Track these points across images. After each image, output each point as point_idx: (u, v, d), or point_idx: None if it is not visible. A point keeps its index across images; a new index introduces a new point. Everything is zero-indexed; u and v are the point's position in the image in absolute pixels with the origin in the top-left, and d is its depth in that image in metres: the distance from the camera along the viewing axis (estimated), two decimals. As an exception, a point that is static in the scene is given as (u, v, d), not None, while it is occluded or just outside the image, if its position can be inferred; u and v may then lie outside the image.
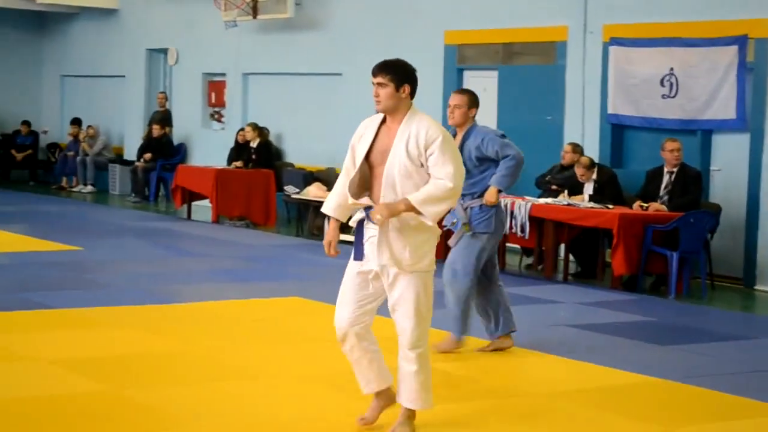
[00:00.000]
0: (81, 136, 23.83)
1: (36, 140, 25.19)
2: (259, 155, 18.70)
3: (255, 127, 19.21)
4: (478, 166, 9.19)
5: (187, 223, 18.35)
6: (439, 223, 6.76)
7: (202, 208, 18.72)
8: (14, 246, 14.64)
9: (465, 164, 8.38)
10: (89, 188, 23.40)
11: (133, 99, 23.98)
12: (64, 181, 23.90)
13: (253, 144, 18.92)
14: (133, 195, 22.01)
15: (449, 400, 7.53)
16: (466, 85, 17.53)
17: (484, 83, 17.34)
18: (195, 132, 22.51)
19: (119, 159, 23.70)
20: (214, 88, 22.42)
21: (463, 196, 8.79)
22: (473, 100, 9.50)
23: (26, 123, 25.02)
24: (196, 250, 15.14)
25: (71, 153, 23.97)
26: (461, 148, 9.07)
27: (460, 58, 17.63)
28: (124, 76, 24.17)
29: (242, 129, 19.77)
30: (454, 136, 9.15)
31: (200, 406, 7.36)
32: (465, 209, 9.09)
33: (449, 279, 9.09)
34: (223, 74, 21.99)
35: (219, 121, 22.25)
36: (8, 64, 25.59)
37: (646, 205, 13.40)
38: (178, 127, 22.50)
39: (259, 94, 21.19)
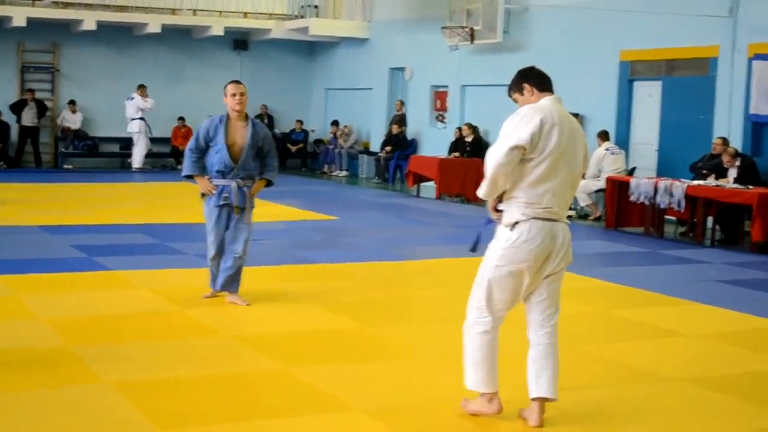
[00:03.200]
0: (338, 134, 24.17)
1: (306, 137, 25.64)
2: (473, 147, 18.80)
3: (470, 126, 19.29)
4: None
5: (417, 199, 18.39)
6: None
7: (428, 188, 18.79)
8: (289, 216, 14.94)
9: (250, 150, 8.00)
10: (344, 173, 23.70)
11: (377, 105, 24.17)
12: (325, 168, 24.26)
13: (468, 139, 19.07)
14: (376, 178, 22.21)
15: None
16: (635, 94, 17.21)
17: (650, 91, 16.96)
18: (424, 130, 22.56)
19: (366, 151, 23.91)
20: (439, 96, 22.42)
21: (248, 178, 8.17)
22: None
23: (300, 122, 25.47)
24: (424, 220, 15.18)
25: (331, 146, 24.37)
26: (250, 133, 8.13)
27: (632, 71, 17.24)
28: (372, 89, 24.38)
29: (460, 128, 19.84)
30: (225, 121, 8.12)
31: (427, 337, 7.39)
32: None
33: None
34: (446, 86, 21.98)
35: (442, 121, 22.24)
36: (287, 80, 26.11)
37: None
38: (411, 127, 22.59)
39: (473, 101, 21.10)
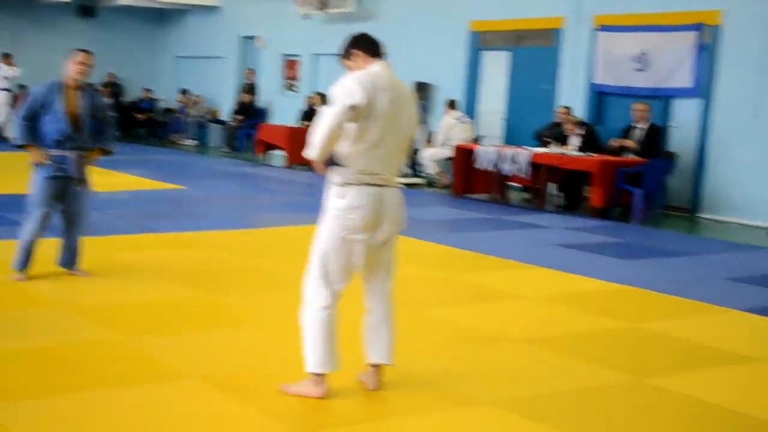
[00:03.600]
0: (188, 103, 23.81)
1: (154, 106, 25.16)
2: (323, 116, 18.77)
3: (320, 95, 19.16)
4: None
5: (267, 168, 18.29)
6: None
7: (279, 157, 18.70)
8: (135, 185, 14.63)
9: (88, 119, 7.74)
10: (193, 142, 23.39)
11: (228, 74, 23.91)
12: (174, 137, 23.88)
13: (318, 108, 18.97)
14: (226, 147, 21.99)
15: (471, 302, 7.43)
16: (483, 64, 17.43)
17: (498, 61, 17.22)
18: (275, 99, 22.42)
19: (216, 120, 23.66)
20: (290, 65, 22.30)
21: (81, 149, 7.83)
22: None
23: (147, 90, 24.97)
24: (273, 188, 15.11)
25: (180, 115, 23.99)
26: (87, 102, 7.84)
27: (481, 42, 17.47)
28: (223, 57, 24.08)
29: (311, 97, 19.77)
30: (61, 89, 7.77)
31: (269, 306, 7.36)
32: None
33: None
34: (298, 55, 21.87)
35: (293, 90, 22.14)
36: (136, 48, 25.57)
37: (617, 143, 13.56)
38: (262, 95, 22.41)
39: (325, 70, 21.05)
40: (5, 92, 22.00)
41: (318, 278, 5.16)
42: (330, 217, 5.13)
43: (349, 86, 4.98)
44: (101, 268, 8.26)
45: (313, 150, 4.99)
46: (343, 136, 4.99)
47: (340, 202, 5.09)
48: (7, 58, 22.17)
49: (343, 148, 5.04)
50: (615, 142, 13.72)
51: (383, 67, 5.18)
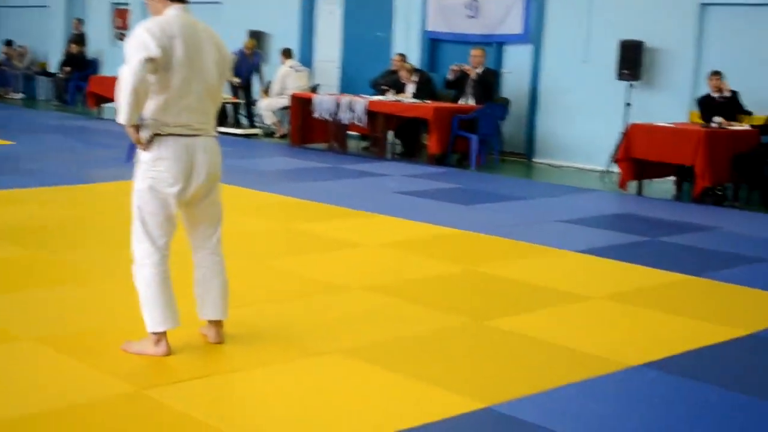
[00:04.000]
0: (13, 54, 22.91)
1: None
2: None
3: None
4: None
5: (99, 121, 17.76)
6: None
7: (111, 109, 18.19)
8: (-42, 142, 14.05)
9: None
10: (20, 95, 22.55)
11: (55, 24, 23.06)
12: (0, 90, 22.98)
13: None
14: (56, 100, 21.28)
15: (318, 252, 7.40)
16: (317, 12, 17.35)
17: (331, 9, 17.15)
18: (105, 49, 21.77)
19: (44, 72, 22.83)
20: (120, 14, 21.68)
21: None
22: None
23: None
24: (106, 142, 14.68)
25: (6, 68, 23.05)
26: None
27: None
28: (47, 6, 23.19)
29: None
30: None
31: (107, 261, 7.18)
32: None
33: None
34: (127, 3, 21.28)
35: (123, 40, 21.53)
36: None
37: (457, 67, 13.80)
38: (91, 46, 21.73)
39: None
40: None
41: (140, 234, 5.04)
42: (140, 171, 4.97)
43: (140, 39, 4.77)
44: None
45: (122, 115, 4.75)
46: (149, 91, 4.80)
47: (148, 155, 4.92)
48: None
49: (147, 103, 4.85)
50: (456, 66, 13.79)
51: (178, 10, 4.97)
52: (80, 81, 20.63)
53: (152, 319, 5.03)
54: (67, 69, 21.00)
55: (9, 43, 23.14)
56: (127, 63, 4.72)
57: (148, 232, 5.02)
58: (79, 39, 21.48)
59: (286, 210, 9.52)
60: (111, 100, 18.02)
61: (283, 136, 15.85)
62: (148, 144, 4.88)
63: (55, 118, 18.17)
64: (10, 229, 8.14)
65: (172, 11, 4.95)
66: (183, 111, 4.93)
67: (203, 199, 5.14)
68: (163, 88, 4.84)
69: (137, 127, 4.84)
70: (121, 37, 21.49)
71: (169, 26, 4.85)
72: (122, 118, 4.76)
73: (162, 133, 4.89)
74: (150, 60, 4.71)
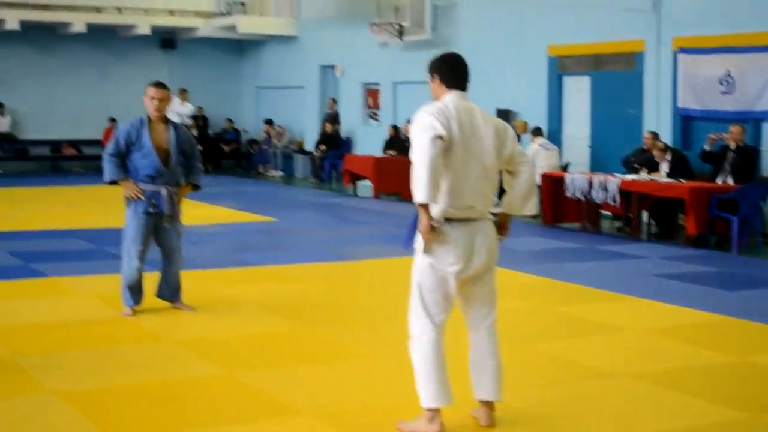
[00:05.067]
0: (272, 133, 24.08)
1: (238, 136, 25.49)
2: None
3: (410, 123, 19.23)
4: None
5: (354, 198, 18.39)
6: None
7: (365, 187, 18.81)
8: (226, 218, 14.86)
9: (177, 153, 7.88)
10: (279, 173, 23.63)
11: (310, 104, 24.12)
12: (260, 168, 24.15)
13: (408, 136, 18.86)
14: (312, 177, 22.17)
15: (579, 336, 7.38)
16: (565, 89, 17.43)
17: (579, 86, 17.17)
18: (357, 128, 22.57)
19: (301, 150, 23.87)
20: (371, 94, 22.45)
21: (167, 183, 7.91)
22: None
23: (230, 120, 25.29)
24: (362, 219, 15.17)
25: (265, 146, 24.26)
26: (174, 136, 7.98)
27: (560, 67, 17.43)
28: (303, 87, 24.32)
29: (394, 126, 19.87)
30: (147, 124, 7.90)
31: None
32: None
33: None
34: (378, 83, 22.02)
35: (375, 119, 22.29)
36: (216, 79, 25.94)
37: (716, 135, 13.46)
38: (344, 125, 22.58)
39: (405, 98, 21.16)
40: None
41: (418, 310, 5.21)
42: (419, 249, 5.15)
43: (424, 121, 5.01)
44: (202, 302, 8.43)
45: (420, 192, 4.91)
46: (442, 169, 4.97)
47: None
48: (183, 93, 22.88)
49: None
50: (714, 135, 13.45)
51: (456, 97, 5.19)
52: (335, 159, 21.45)
53: (427, 395, 5.16)
54: (323, 147, 21.88)
55: (269, 122, 24.37)
56: (417, 145, 4.95)
57: (426, 308, 5.18)
58: (333, 118, 22.36)
59: (544, 291, 9.54)
60: (365, 177, 18.67)
61: (534, 216, 15.90)
62: (429, 234, 5.01)
63: (312, 195, 18.97)
64: (275, 304, 8.57)
65: (450, 96, 5.19)
66: (464, 193, 5.10)
67: (480, 280, 5.28)
68: (444, 169, 5.03)
69: (428, 207, 4.97)
70: (373, 116, 22.27)
71: (446, 109, 5.08)
72: (420, 195, 4.90)
73: (447, 216, 5.06)
74: (438, 137, 4.93)
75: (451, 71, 5.26)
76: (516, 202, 5.36)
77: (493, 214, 5.32)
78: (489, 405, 5.37)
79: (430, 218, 5.00)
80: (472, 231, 5.15)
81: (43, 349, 6.94)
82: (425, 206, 4.96)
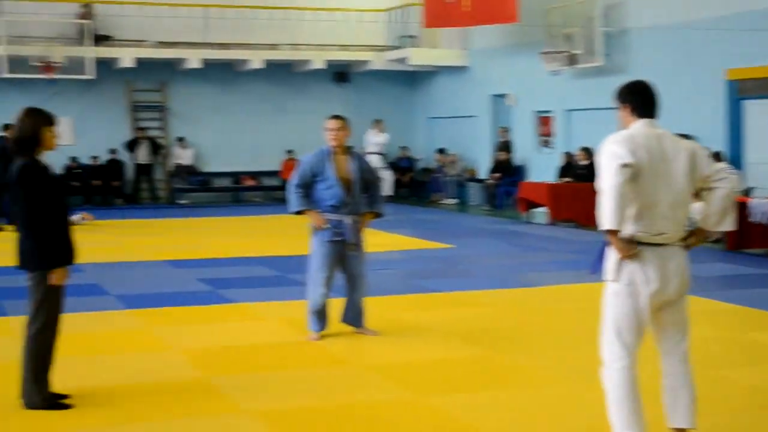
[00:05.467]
0: (445, 162, 24.23)
1: (412, 165, 25.75)
2: (587, 171, 18.47)
3: (585, 150, 18.94)
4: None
5: (529, 225, 18.27)
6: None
7: (539, 214, 18.69)
8: (405, 245, 15.01)
9: (359, 183, 8.00)
10: (453, 201, 23.74)
11: (481, 133, 24.16)
12: (434, 196, 24.30)
13: (583, 163, 18.69)
14: (486, 205, 22.18)
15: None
16: (745, 112, 16.95)
17: (761, 110, 16.67)
18: (530, 156, 22.47)
19: (473, 178, 23.93)
20: (543, 121, 22.34)
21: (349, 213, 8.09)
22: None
23: (404, 149, 25.53)
24: (539, 246, 15.07)
25: (438, 174, 24.42)
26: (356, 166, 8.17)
27: (741, 90, 16.94)
28: (474, 116, 24.40)
29: (568, 153, 19.70)
30: (330, 156, 8.13)
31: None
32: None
33: None
34: (549, 111, 21.91)
35: (548, 146, 22.15)
36: (389, 110, 26.28)
37: None
38: (517, 152, 22.52)
39: (578, 125, 20.97)
40: (377, 156, 23.27)
41: (611, 336, 5.16)
42: (611, 276, 5.12)
43: (611, 150, 5.00)
44: (386, 327, 8.55)
45: (607, 220, 4.94)
46: (630, 196, 4.96)
47: (620, 262, 5.07)
48: (378, 124, 23.64)
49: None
50: None
51: (645, 124, 5.15)
52: (508, 186, 21.40)
53: (620, 422, 5.11)
54: (496, 175, 21.88)
55: (441, 151, 24.53)
56: (604, 173, 4.96)
57: (619, 334, 5.13)
58: (505, 146, 22.34)
59: (731, 317, 9.27)
60: (540, 205, 18.56)
61: (716, 241, 15.45)
62: (629, 251, 5.00)
63: (486, 223, 18.97)
64: (457, 329, 8.62)
65: (638, 124, 5.15)
66: (654, 219, 5.05)
67: (672, 306, 5.20)
68: (634, 197, 5.00)
69: (616, 233, 4.98)
70: (546, 144, 22.14)
71: (633, 137, 5.05)
72: (607, 223, 4.94)
73: (638, 240, 5.02)
74: (625, 166, 4.91)
75: (643, 99, 5.23)
76: (712, 218, 5.24)
77: (689, 232, 5.22)
78: (684, 432, 5.27)
79: (622, 241, 5.01)
80: (665, 256, 5.10)
81: (235, 371, 7.19)
82: (614, 232, 4.98)
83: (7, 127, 17.46)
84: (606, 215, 4.94)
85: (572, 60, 19.86)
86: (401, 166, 25.46)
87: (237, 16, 23.87)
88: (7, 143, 16.75)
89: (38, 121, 6.20)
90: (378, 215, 8.39)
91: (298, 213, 8.20)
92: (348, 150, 8.23)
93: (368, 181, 8.26)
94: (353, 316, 8.39)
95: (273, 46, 24.40)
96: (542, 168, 21.40)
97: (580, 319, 8.78)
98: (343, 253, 8.17)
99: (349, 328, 8.41)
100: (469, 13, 22.28)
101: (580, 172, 18.64)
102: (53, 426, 5.85)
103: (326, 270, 8.12)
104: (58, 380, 6.35)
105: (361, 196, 8.20)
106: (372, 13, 25.30)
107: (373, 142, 23.76)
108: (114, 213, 21.00)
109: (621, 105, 5.26)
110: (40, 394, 6.13)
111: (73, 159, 23.22)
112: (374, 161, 23.13)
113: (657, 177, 5.04)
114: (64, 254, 6.17)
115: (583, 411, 5.97)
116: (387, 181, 23.41)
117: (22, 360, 6.18)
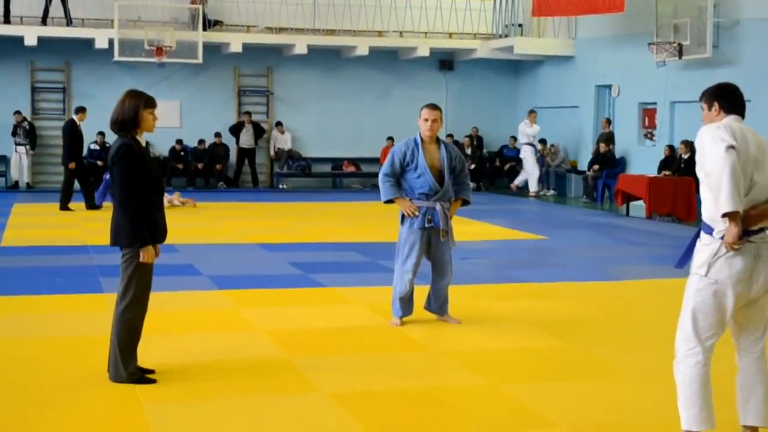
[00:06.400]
0: (545, 153, 24.09)
1: (517, 154, 25.68)
2: (687, 165, 18.25)
3: (686, 144, 18.71)
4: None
5: (626, 218, 18.10)
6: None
7: (638, 207, 18.49)
8: (497, 235, 15.03)
9: (449, 171, 8.01)
10: (552, 192, 23.62)
11: (584, 124, 23.96)
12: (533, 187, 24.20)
13: (684, 156, 18.47)
14: (584, 197, 22.02)
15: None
16: None
17: None
18: (632, 148, 22.21)
19: (574, 169, 23.75)
20: (647, 114, 22.06)
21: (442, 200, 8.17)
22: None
23: (513, 138, 25.39)
24: (634, 240, 14.94)
25: (539, 165, 24.27)
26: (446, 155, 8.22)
27: None
28: (578, 107, 24.20)
29: (670, 146, 19.44)
30: (420, 144, 8.18)
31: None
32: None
33: None
34: (654, 103, 21.60)
35: (651, 139, 21.87)
36: (492, 99, 26.27)
37: None
38: (619, 145, 22.28)
39: (682, 118, 20.64)
40: (528, 147, 23.56)
41: (688, 332, 5.14)
42: (700, 271, 5.08)
43: (714, 134, 4.96)
44: (469, 316, 8.62)
45: (727, 202, 4.82)
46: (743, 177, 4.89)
47: (711, 257, 5.04)
48: (531, 115, 23.80)
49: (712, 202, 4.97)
50: None
51: (734, 120, 5.13)
52: (608, 179, 21.21)
53: (688, 418, 5.11)
54: (596, 167, 21.69)
55: (542, 141, 24.40)
56: (711, 157, 4.89)
57: (697, 330, 5.11)
58: (607, 138, 22.11)
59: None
60: (638, 198, 18.35)
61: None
62: (737, 241, 4.93)
63: (583, 215, 18.85)
64: (542, 320, 8.64)
65: (728, 119, 5.13)
66: (749, 204, 4.98)
67: (756, 303, 5.16)
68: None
69: (738, 216, 4.87)
70: (649, 136, 21.86)
71: (728, 126, 5.01)
72: (727, 205, 4.82)
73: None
74: (732, 147, 4.86)
75: (734, 98, 5.22)
76: None
77: None
78: (754, 429, 5.23)
79: (740, 227, 4.90)
80: (755, 252, 5.04)
81: (317, 352, 7.36)
82: (734, 215, 4.87)
83: (78, 110, 17.98)
84: (724, 197, 4.82)
85: (680, 51, 19.57)
86: (506, 155, 25.37)
87: (344, 2, 24.07)
88: (75, 125, 17.40)
89: (139, 103, 6.41)
90: (466, 203, 8.48)
91: (389, 202, 8.31)
92: (437, 139, 8.33)
93: (456, 169, 8.33)
94: (437, 304, 8.48)
95: (379, 33, 24.57)
96: (644, 161, 21.13)
97: (667, 314, 8.66)
98: (432, 241, 8.26)
99: (432, 316, 8.51)
100: (576, 2, 22.16)
101: (681, 166, 18.43)
102: (137, 399, 6.08)
103: (415, 257, 8.23)
104: (145, 356, 6.60)
105: (450, 184, 8.29)
106: (478, 1, 25.27)
107: (526, 133, 23.63)
108: (214, 196, 21.51)
109: (709, 104, 5.25)
110: (127, 369, 6.38)
111: (179, 141, 23.77)
112: (527, 153, 23.27)
113: (756, 167, 5.01)
114: (155, 233, 6.40)
115: (658, 405, 5.97)
116: (533, 175, 23.40)
117: (110, 334, 6.45)
